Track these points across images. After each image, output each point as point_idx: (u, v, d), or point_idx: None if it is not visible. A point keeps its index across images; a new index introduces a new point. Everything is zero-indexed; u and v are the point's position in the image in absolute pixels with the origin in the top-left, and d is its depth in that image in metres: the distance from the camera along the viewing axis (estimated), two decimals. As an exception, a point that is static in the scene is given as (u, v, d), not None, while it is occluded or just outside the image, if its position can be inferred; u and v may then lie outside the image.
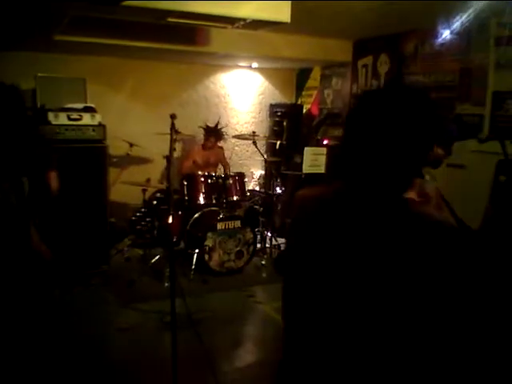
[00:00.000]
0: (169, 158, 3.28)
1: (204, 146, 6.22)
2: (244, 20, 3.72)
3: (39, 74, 5.48)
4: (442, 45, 5.13)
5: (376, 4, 4.29)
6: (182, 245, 5.36)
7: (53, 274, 3.35)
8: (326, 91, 7.23)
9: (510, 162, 3.83)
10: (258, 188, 7.38)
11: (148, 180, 5.59)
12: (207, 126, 6.31)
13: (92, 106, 5.56)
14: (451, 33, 4.91)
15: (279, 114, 7.25)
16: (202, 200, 5.28)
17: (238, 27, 3.94)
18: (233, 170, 6.32)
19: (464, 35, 4.88)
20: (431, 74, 5.33)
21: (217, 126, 6.38)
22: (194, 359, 3.36)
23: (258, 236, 5.61)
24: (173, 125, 2.79)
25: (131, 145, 5.89)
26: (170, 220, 2.83)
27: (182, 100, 7.06)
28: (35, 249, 2.93)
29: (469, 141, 4.80)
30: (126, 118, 6.37)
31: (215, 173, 5.60)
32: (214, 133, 6.27)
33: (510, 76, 4.48)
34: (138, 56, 6.23)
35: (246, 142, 6.90)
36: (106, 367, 3.32)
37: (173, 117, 2.81)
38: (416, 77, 5.53)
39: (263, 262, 5.38)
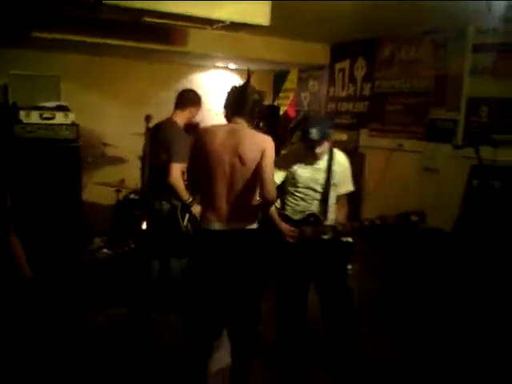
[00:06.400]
0: (143, 160, 3.23)
1: None
2: (223, 22, 3.69)
3: (11, 72, 5.35)
4: (418, 51, 5.19)
5: (353, 9, 4.30)
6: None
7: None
8: (303, 94, 7.24)
9: (483, 166, 3.90)
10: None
11: (122, 181, 5.50)
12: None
13: (65, 104, 5.45)
14: (427, 39, 4.96)
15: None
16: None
17: (216, 29, 3.90)
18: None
19: (440, 41, 4.94)
20: (407, 80, 5.38)
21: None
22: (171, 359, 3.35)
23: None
24: (147, 128, 2.74)
25: (105, 144, 5.79)
26: (144, 226, 2.77)
27: (159, 100, 6.95)
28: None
29: (443, 145, 4.89)
30: (101, 117, 6.25)
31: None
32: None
33: (485, 82, 4.55)
34: (114, 54, 6.12)
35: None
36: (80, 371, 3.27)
37: (147, 119, 2.75)
38: (392, 82, 5.58)
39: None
